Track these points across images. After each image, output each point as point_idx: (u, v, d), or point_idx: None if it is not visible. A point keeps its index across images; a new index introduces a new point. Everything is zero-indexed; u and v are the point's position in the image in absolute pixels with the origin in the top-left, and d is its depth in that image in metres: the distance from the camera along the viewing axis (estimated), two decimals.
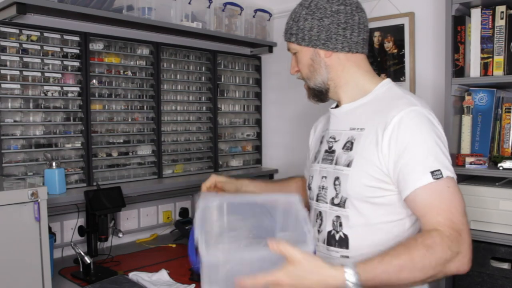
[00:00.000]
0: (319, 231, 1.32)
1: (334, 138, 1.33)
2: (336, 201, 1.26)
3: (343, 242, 1.25)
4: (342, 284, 0.97)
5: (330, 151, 1.32)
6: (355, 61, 1.31)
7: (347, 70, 1.31)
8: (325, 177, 1.31)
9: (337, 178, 1.26)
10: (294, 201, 1.09)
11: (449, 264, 1.04)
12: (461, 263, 1.06)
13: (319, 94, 1.34)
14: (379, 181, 1.19)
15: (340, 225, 1.25)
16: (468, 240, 1.09)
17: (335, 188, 1.27)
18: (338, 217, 1.26)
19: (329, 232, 1.28)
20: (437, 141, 1.16)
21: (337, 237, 1.26)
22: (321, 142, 1.40)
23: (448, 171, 1.13)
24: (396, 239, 1.20)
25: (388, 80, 1.33)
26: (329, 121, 1.40)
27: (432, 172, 1.11)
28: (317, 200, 1.34)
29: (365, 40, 1.32)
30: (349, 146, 1.26)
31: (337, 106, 1.38)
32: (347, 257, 1.24)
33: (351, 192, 1.22)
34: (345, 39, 1.28)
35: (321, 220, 1.31)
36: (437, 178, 1.10)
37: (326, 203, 1.29)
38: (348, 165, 1.23)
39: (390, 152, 1.16)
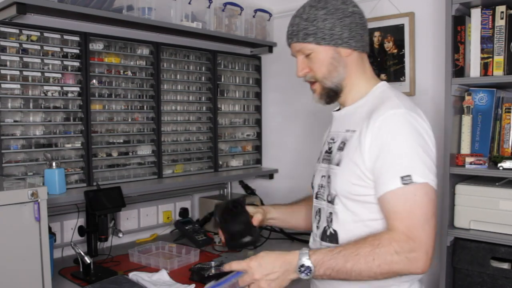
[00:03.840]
0: (317, 227, 1.39)
1: (333, 140, 1.39)
2: (329, 198, 1.33)
3: (333, 238, 1.31)
4: (296, 262, 1.16)
5: (329, 152, 1.39)
6: (363, 61, 1.37)
7: (357, 69, 1.35)
8: (324, 176, 1.38)
9: (329, 177, 1.33)
10: None
11: (397, 266, 1.12)
12: (413, 267, 1.12)
13: (333, 95, 1.36)
14: (362, 180, 1.23)
15: (331, 221, 1.32)
16: (425, 246, 1.13)
17: (328, 186, 1.34)
18: (330, 213, 1.32)
19: (324, 227, 1.35)
20: (414, 145, 1.17)
21: (328, 232, 1.33)
22: (324, 143, 1.47)
23: (420, 177, 1.14)
24: None
25: (384, 82, 1.37)
26: (331, 123, 1.47)
27: (402, 177, 1.14)
28: (316, 198, 1.42)
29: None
30: (341, 146, 1.32)
31: (338, 109, 1.45)
32: None
33: (338, 189, 1.28)
34: (361, 38, 1.34)
35: (319, 216, 1.39)
36: (406, 184, 1.14)
37: (324, 200, 1.36)
38: (338, 164, 1.30)
39: (370, 153, 1.20)
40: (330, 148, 1.39)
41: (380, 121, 1.20)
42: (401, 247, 1.11)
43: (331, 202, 1.31)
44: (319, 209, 1.39)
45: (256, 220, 1.45)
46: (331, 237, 1.32)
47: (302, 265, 1.15)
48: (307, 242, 1.48)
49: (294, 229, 1.87)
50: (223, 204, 1.44)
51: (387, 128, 1.19)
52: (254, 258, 1.20)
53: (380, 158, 1.18)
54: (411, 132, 1.19)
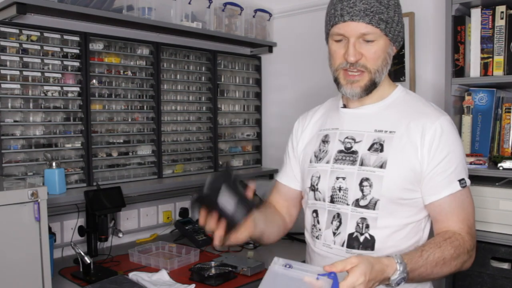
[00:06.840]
0: (334, 233, 1.27)
1: (353, 139, 1.29)
2: (363, 202, 1.23)
3: (369, 244, 1.23)
4: (393, 271, 1.06)
5: (349, 152, 1.28)
6: None
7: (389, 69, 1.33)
8: (343, 177, 1.27)
9: (366, 179, 1.23)
10: None
11: (465, 264, 1.20)
12: (469, 264, 1.22)
13: (373, 89, 1.27)
14: (414, 184, 1.22)
15: (367, 227, 1.23)
16: (475, 243, 1.22)
17: (361, 190, 1.24)
18: (363, 218, 1.23)
19: (351, 234, 1.25)
20: (462, 150, 1.26)
21: (361, 239, 1.23)
22: (326, 141, 1.35)
23: (467, 179, 1.24)
24: (414, 238, 1.26)
25: (401, 85, 1.37)
26: (339, 120, 1.35)
27: (459, 181, 1.22)
28: (331, 202, 1.29)
29: None
30: (378, 147, 1.24)
31: (344, 106, 1.35)
32: None
33: (387, 193, 1.21)
34: None
35: (340, 222, 1.27)
36: (463, 187, 1.22)
37: (348, 204, 1.25)
38: (382, 166, 1.22)
39: (430, 158, 1.21)
40: (349, 148, 1.28)
41: (438, 125, 1.22)
42: (470, 246, 1.19)
43: (367, 206, 1.22)
44: (338, 213, 1.27)
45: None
46: (365, 243, 1.22)
47: (400, 276, 1.05)
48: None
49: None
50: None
51: (447, 133, 1.22)
52: (356, 267, 0.99)
53: (442, 163, 1.21)
54: (458, 137, 1.27)
